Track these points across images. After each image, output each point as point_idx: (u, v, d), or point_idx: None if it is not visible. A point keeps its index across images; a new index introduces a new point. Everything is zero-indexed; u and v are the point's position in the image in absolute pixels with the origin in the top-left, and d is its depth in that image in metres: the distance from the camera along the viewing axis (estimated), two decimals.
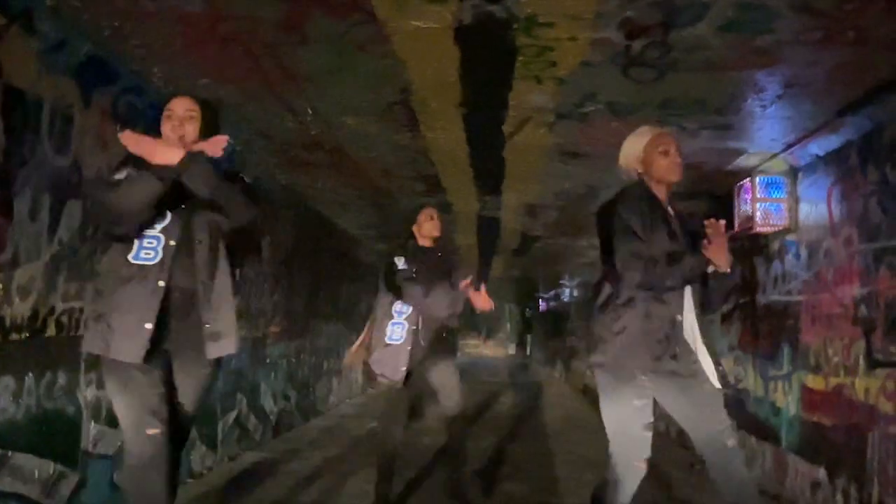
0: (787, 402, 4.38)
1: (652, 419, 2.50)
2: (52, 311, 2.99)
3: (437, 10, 2.66)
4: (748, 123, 3.75)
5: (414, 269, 3.61)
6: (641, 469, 2.48)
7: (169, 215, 2.25)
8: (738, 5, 2.51)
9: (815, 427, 4.01)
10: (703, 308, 2.55)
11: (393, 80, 3.38)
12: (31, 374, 2.88)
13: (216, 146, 2.27)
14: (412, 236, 3.87)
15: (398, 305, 3.65)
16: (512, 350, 27.05)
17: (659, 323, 2.43)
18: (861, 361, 3.59)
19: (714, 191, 5.19)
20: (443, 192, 5.92)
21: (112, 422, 3.45)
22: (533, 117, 3.89)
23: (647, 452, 2.48)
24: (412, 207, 4.00)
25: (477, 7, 2.63)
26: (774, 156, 4.26)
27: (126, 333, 2.18)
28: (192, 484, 4.19)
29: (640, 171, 2.60)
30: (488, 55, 3.08)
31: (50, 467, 3.00)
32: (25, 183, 2.79)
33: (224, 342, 2.36)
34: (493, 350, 28.61)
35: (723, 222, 2.41)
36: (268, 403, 5.91)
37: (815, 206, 4.14)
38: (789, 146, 4.06)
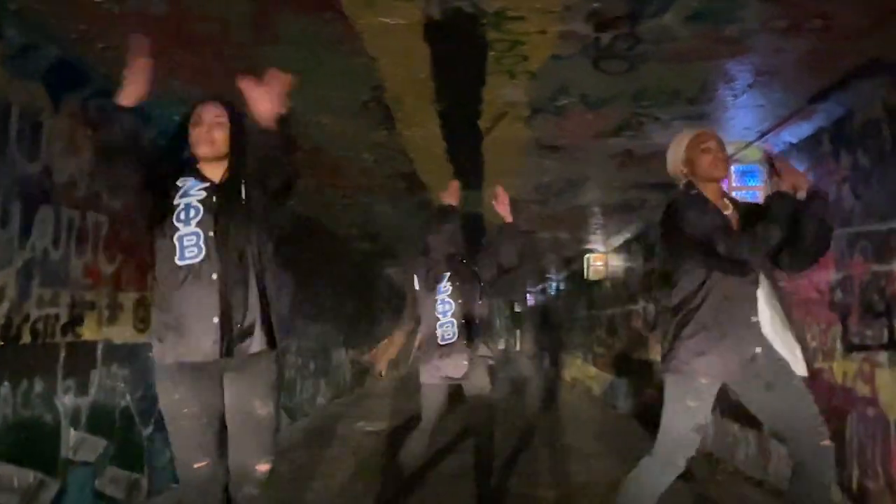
0: None
1: (704, 422, 2.45)
2: (26, 318, 2.97)
3: (405, 6, 2.66)
4: (721, 113, 3.77)
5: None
6: (679, 467, 2.46)
7: (200, 209, 2.17)
8: None
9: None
10: (797, 257, 2.46)
11: (365, 78, 3.38)
12: (6, 383, 2.85)
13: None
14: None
15: (440, 306, 3.59)
16: (502, 345, 27.10)
17: (730, 326, 2.38)
18: (838, 345, 3.63)
19: None
20: (423, 189, 5.92)
21: (93, 428, 3.44)
22: (508, 112, 3.90)
23: (691, 452, 2.45)
24: (394, 206, 3.95)
25: (445, 3, 2.64)
26: (749, 144, 4.29)
27: (191, 334, 2.12)
28: (175, 488, 4.16)
29: (685, 172, 2.55)
30: (460, 51, 3.08)
31: (29, 476, 2.98)
32: None
33: (254, 339, 2.20)
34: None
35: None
36: None
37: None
38: (763, 134, 4.09)
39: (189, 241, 2.14)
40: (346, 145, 4.57)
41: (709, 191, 2.50)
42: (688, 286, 2.44)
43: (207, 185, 2.23)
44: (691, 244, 2.40)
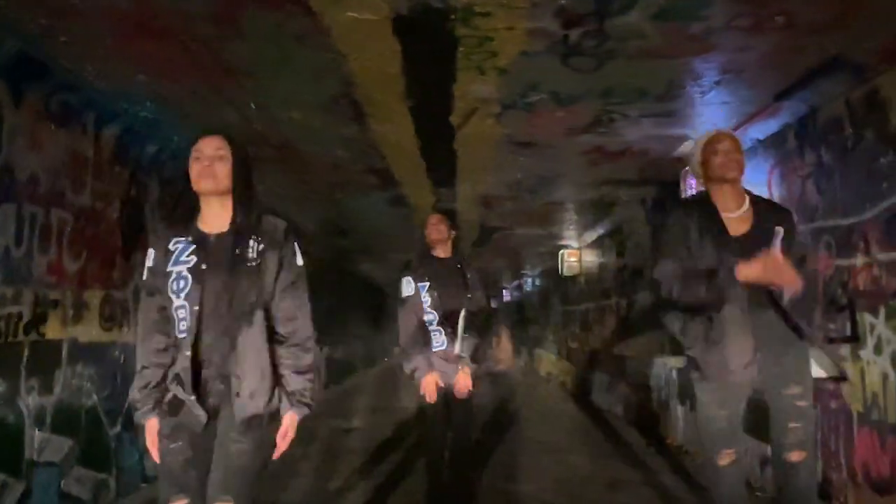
0: None
1: (727, 412, 2.51)
2: None
3: (372, 1, 2.64)
4: (689, 110, 3.81)
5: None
6: (726, 458, 2.49)
7: (189, 279, 2.07)
8: None
9: (762, 404, 4.10)
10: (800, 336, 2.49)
11: (334, 73, 3.35)
12: None
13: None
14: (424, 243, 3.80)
15: (425, 315, 3.56)
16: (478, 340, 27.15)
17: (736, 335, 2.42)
18: None
19: (662, 177, 5.27)
20: (396, 185, 5.90)
21: (58, 428, 3.38)
22: (479, 108, 3.89)
23: (730, 444, 2.50)
24: (368, 203, 3.91)
25: None
26: None
27: (175, 406, 2.08)
28: (148, 487, 4.11)
29: (701, 174, 2.59)
30: (429, 46, 3.07)
31: None
32: None
33: (246, 403, 2.08)
34: None
35: (775, 252, 2.34)
36: None
37: (756, 189, 4.21)
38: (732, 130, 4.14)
39: (181, 314, 2.06)
40: (317, 140, 4.53)
41: (723, 192, 2.54)
42: None
43: (194, 247, 2.10)
44: (668, 253, 2.50)
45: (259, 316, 2.09)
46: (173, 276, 2.07)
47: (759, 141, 4.16)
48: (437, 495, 3.56)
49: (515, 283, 17.04)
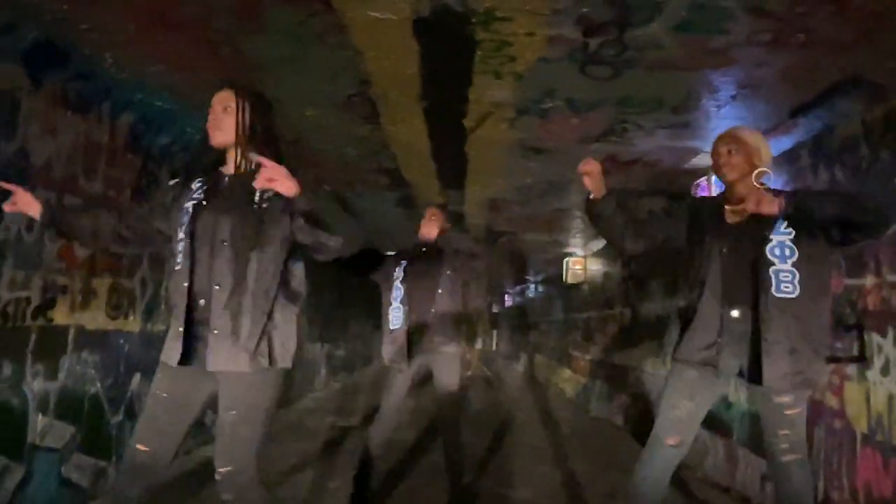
0: (739, 397, 4.47)
1: (688, 403, 2.54)
2: None
3: (394, 1, 2.65)
4: (703, 123, 3.81)
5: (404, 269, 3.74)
6: (669, 443, 2.52)
7: (189, 213, 2.12)
8: (690, 6, 2.55)
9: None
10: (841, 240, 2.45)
11: (352, 72, 3.36)
12: None
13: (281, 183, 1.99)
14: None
15: (394, 292, 3.72)
16: (479, 345, 27.15)
17: (706, 318, 2.51)
18: None
19: (672, 189, 5.27)
20: (406, 185, 5.91)
21: (60, 414, 3.39)
22: (493, 112, 3.90)
23: (679, 433, 2.52)
24: (376, 202, 3.99)
25: (435, 0, 2.63)
26: None
27: (171, 337, 2.12)
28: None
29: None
30: (447, 49, 3.08)
31: None
32: None
33: (240, 356, 2.07)
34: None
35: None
36: None
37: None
38: None
39: (179, 247, 2.11)
40: (329, 138, 4.54)
41: (731, 190, 2.58)
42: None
43: (207, 186, 2.18)
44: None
45: (262, 264, 2.10)
46: (183, 211, 2.16)
47: (773, 158, 4.14)
48: (437, 499, 3.56)
49: (518, 287, 17.03)
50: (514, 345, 17.82)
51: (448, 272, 3.73)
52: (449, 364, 3.70)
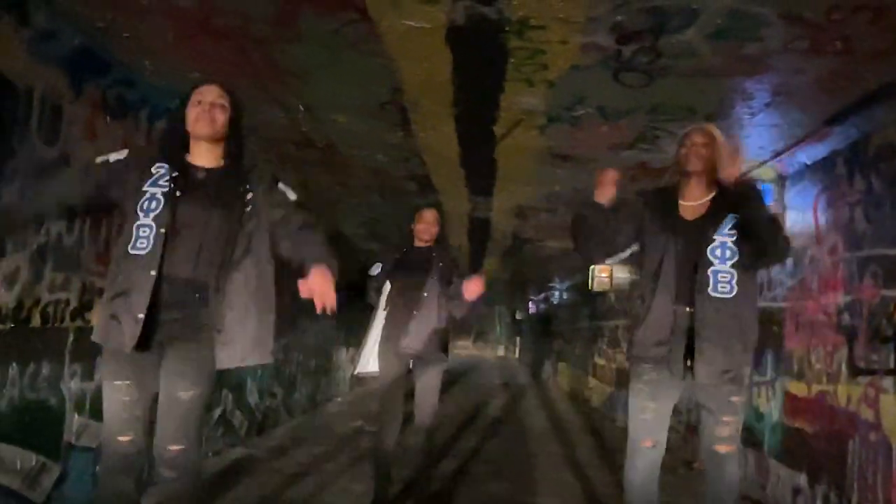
0: (771, 407, 4.41)
1: (651, 404, 2.58)
2: (37, 301, 2.99)
3: (429, 10, 2.67)
4: (737, 130, 3.77)
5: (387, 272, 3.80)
6: (645, 446, 2.56)
7: (161, 202, 2.19)
8: (726, 13, 2.53)
9: (797, 433, 4.05)
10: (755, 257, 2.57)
11: (385, 79, 3.39)
12: (14, 365, 2.87)
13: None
14: (411, 236, 3.92)
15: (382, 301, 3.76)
16: (501, 352, 27.11)
17: (659, 313, 2.57)
18: (843, 369, 3.63)
19: None
20: (434, 192, 5.93)
21: (95, 413, 3.45)
22: (524, 119, 3.90)
23: (650, 434, 2.56)
24: (405, 207, 4.02)
25: (469, 8, 2.65)
26: (763, 163, 4.29)
27: (123, 323, 2.16)
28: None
29: (677, 168, 2.72)
30: (480, 56, 3.09)
31: (32, 459, 2.99)
32: (13, 173, 2.78)
33: (231, 351, 2.24)
34: (482, 351, 28.66)
35: None
36: (253, 400, 5.91)
37: (802, 214, 4.17)
38: (777, 154, 4.10)
39: (143, 232, 2.16)
40: (360, 144, 4.58)
41: (688, 183, 2.68)
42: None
43: (176, 175, 2.23)
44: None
45: (248, 262, 2.23)
46: (146, 195, 2.19)
47: (807, 165, 4.10)
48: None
49: (542, 295, 16.97)
50: (538, 353, 17.74)
51: (435, 278, 3.73)
52: (433, 381, 3.73)
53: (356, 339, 10.33)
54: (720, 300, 2.49)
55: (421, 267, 3.75)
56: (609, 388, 9.34)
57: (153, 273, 2.13)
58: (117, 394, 2.21)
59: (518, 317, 22.86)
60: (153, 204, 2.17)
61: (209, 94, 2.28)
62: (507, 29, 2.79)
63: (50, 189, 2.35)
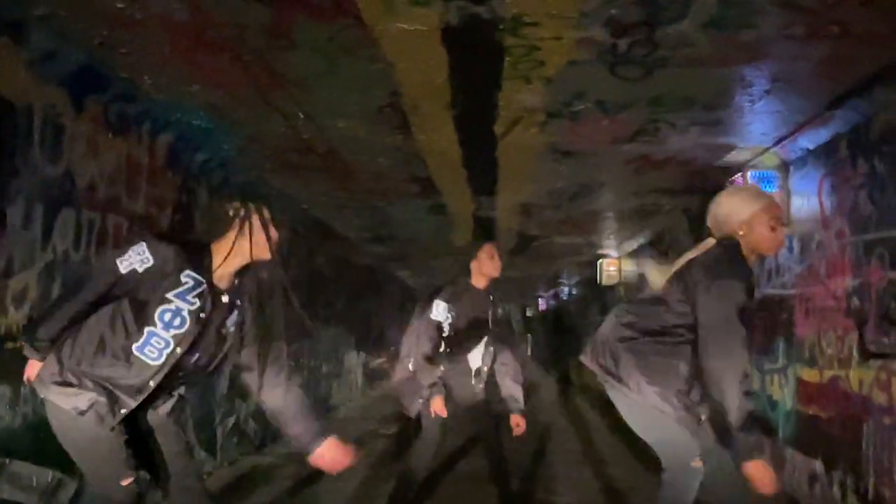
0: (784, 395, 4.39)
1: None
2: None
3: (423, 12, 2.67)
4: (737, 118, 3.76)
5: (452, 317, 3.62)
6: (697, 462, 2.49)
7: (185, 322, 2.09)
8: (720, 2, 2.52)
9: (811, 419, 4.03)
10: None
11: (382, 83, 3.40)
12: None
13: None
14: (468, 272, 3.76)
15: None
16: None
17: None
18: (854, 353, 3.61)
19: (706, 186, 5.20)
20: (437, 193, 5.93)
21: None
22: (524, 117, 3.90)
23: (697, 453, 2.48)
24: (409, 210, 3.99)
25: (463, 8, 2.65)
26: (765, 150, 4.27)
27: (108, 410, 2.09)
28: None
29: (740, 234, 2.50)
30: (476, 56, 3.09)
31: (48, 475, 3.01)
32: (18, 192, 2.80)
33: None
34: None
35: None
36: None
37: (807, 200, 4.16)
38: (780, 140, 4.08)
39: (157, 343, 2.06)
40: (361, 149, 4.59)
41: (750, 260, 2.51)
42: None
43: (202, 290, 2.12)
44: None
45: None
46: (171, 307, 2.06)
47: (810, 151, 4.08)
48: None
49: (552, 291, 16.94)
50: (550, 348, 17.71)
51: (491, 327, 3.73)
52: (463, 376, 3.72)
53: (367, 343, 10.37)
54: None
55: (482, 313, 3.72)
56: None
57: (152, 385, 2.08)
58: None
59: (528, 314, 22.82)
60: (177, 321, 2.06)
61: (269, 225, 2.20)
62: (501, 27, 2.79)
63: (76, 298, 2.14)
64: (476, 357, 3.71)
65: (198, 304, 2.09)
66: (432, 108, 3.75)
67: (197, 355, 2.17)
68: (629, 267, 9.13)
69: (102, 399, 2.05)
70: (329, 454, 2.32)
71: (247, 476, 4.76)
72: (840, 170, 3.80)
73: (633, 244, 8.60)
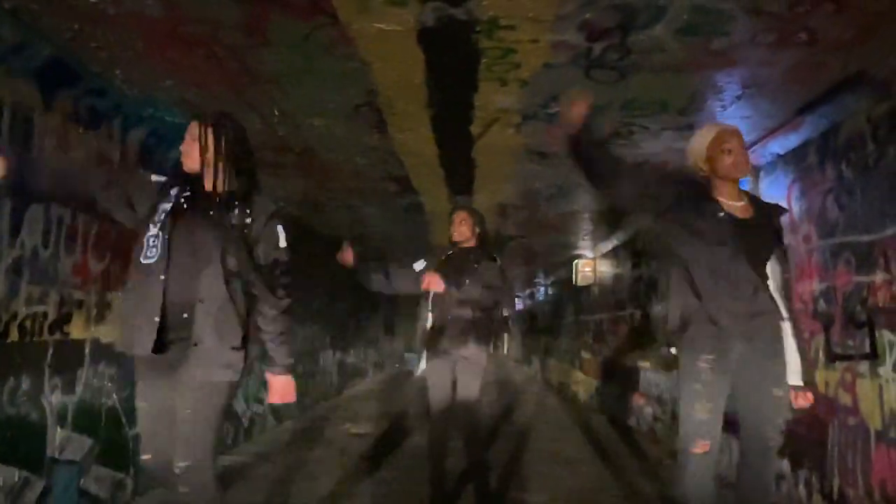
0: None
1: (709, 405, 2.59)
2: (14, 316, 2.97)
3: (399, 12, 2.68)
4: (709, 123, 3.81)
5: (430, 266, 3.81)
6: (700, 448, 2.58)
7: (167, 213, 2.29)
8: (692, 9, 2.57)
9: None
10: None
11: (358, 82, 3.40)
12: None
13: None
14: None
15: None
16: (490, 349, 27.08)
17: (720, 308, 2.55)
18: (821, 355, 3.68)
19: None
20: (414, 192, 5.94)
21: (78, 427, 3.43)
22: (499, 118, 3.92)
23: (706, 436, 2.57)
24: (387, 208, 4.05)
25: (439, 10, 2.66)
26: None
27: (139, 327, 2.22)
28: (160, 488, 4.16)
29: (704, 170, 2.64)
30: (452, 57, 3.11)
31: (14, 474, 2.97)
32: None
33: (207, 368, 2.26)
34: None
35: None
36: (240, 406, 5.89)
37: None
38: (750, 145, 4.14)
39: (153, 241, 2.26)
40: (338, 148, 4.58)
41: (728, 186, 2.63)
42: None
43: (181, 190, 2.37)
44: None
45: (230, 283, 2.28)
46: (160, 210, 2.31)
47: (780, 156, 4.15)
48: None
49: (528, 291, 17.03)
50: (526, 348, 17.80)
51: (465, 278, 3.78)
52: (470, 373, 3.77)
53: (343, 342, 10.32)
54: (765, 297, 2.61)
55: (463, 270, 3.83)
56: (595, 381, 9.41)
57: (162, 278, 2.22)
58: (141, 413, 2.34)
59: (505, 313, 22.88)
60: (161, 215, 2.29)
61: (188, 131, 2.40)
62: (477, 29, 2.81)
63: (115, 193, 2.41)
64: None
65: (177, 200, 2.34)
66: (409, 108, 3.76)
67: (191, 258, 2.26)
68: (605, 268, 9.20)
69: (135, 326, 2.28)
70: (282, 387, 2.46)
71: (218, 475, 4.72)
72: (808, 175, 3.87)
73: (608, 245, 8.67)
